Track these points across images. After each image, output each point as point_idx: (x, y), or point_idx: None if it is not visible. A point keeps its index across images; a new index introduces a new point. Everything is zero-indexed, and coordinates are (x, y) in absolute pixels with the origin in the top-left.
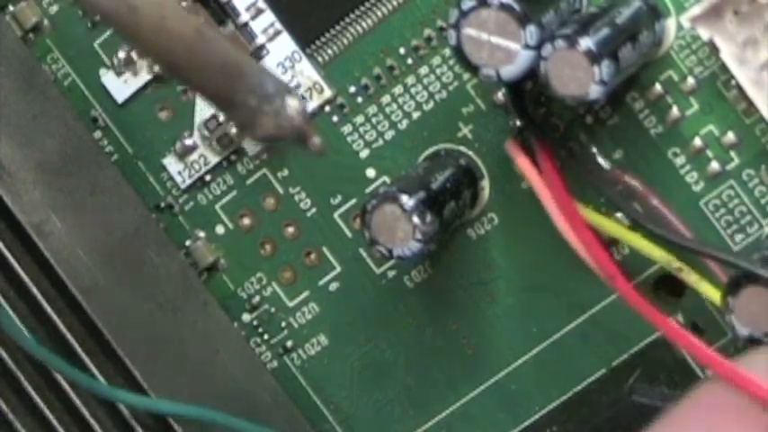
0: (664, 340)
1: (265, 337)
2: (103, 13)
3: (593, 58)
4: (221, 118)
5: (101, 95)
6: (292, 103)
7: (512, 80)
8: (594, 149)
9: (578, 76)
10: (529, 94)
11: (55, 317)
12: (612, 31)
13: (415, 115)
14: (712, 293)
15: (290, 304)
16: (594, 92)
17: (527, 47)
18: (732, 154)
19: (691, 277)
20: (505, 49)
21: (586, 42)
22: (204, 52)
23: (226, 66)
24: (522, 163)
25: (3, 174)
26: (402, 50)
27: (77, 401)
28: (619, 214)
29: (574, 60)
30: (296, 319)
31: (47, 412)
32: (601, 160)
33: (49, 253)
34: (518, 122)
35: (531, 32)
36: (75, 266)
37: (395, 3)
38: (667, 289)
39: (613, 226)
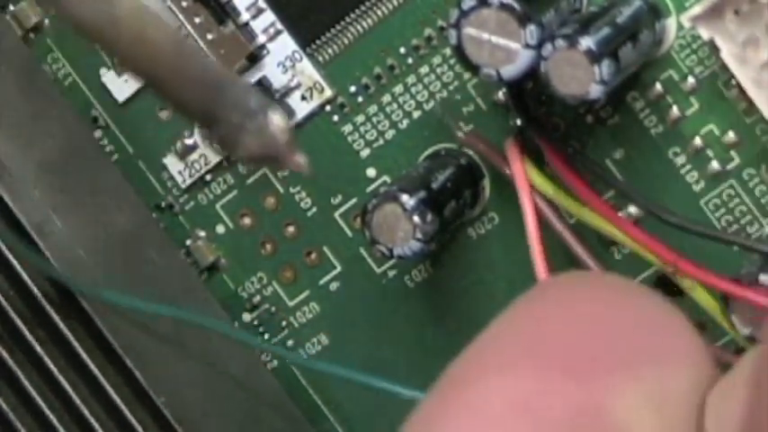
0: None
1: (266, 336)
2: (83, 24)
3: (594, 57)
4: None
5: (101, 95)
6: (276, 120)
7: (512, 80)
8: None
9: (579, 75)
10: (529, 93)
11: (55, 316)
12: (613, 31)
13: (416, 114)
14: (706, 299)
15: (291, 304)
16: (595, 91)
17: (527, 46)
18: (732, 153)
19: (684, 282)
20: (506, 48)
21: (587, 42)
22: (185, 65)
23: (206, 79)
24: (516, 167)
25: (3, 173)
26: (402, 50)
27: (77, 401)
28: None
29: (574, 60)
30: (296, 318)
31: (47, 412)
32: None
33: (49, 252)
34: (518, 122)
35: (532, 32)
36: (75, 266)
37: (395, 2)
38: (667, 288)
39: (611, 227)
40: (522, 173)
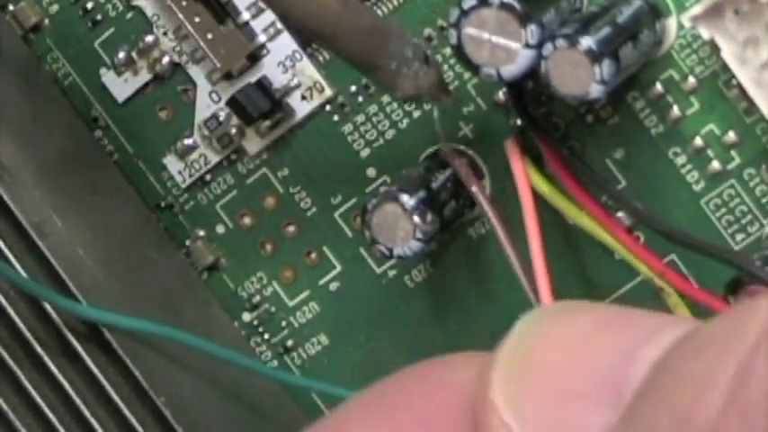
0: None
1: (266, 336)
2: None
3: (594, 57)
4: (221, 117)
5: (101, 95)
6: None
7: (512, 79)
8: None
9: (579, 75)
10: (529, 93)
11: (54, 316)
12: (613, 31)
13: (416, 114)
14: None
15: (291, 303)
16: (595, 91)
17: (528, 46)
18: (733, 153)
19: (671, 299)
20: (506, 48)
21: (587, 41)
22: (350, 21)
23: (370, 33)
24: (517, 166)
25: (3, 173)
26: None
27: (77, 400)
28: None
29: (575, 59)
30: (296, 318)
31: (47, 412)
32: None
33: (49, 252)
34: (519, 122)
35: (532, 31)
36: (75, 266)
37: (395, 2)
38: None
39: (604, 234)
40: (523, 172)
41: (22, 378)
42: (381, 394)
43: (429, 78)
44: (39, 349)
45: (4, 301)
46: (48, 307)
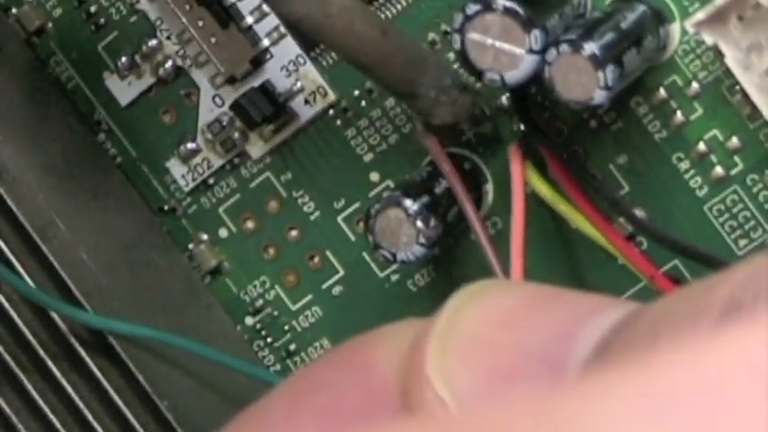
0: None
1: (268, 340)
2: (299, 19)
3: (598, 62)
4: (225, 121)
5: (104, 98)
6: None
7: (516, 85)
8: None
9: (583, 80)
10: (532, 98)
11: (58, 321)
12: (617, 36)
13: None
14: None
15: (294, 307)
16: (599, 97)
17: (531, 51)
18: (736, 159)
19: None
20: (510, 53)
21: (591, 47)
22: (389, 50)
23: (409, 62)
24: (515, 169)
25: (6, 177)
26: None
27: (80, 404)
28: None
29: (578, 65)
30: (299, 322)
31: (50, 415)
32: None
33: (52, 257)
34: (522, 127)
35: (536, 37)
36: (78, 270)
37: (399, 7)
38: None
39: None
40: (520, 178)
41: (25, 381)
42: (301, 379)
43: (467, 106)
44: (41, 353)
45: (7, 306)
46: (51, 312)
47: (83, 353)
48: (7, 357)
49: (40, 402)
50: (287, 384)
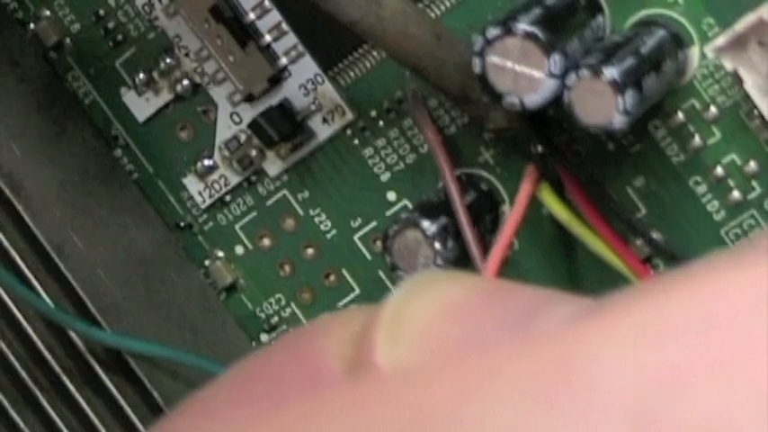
0: None
1: None
2: (352, 21)
3: (618, 87)
4: (242, 139)
5: (122, 114)
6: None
7: (536, 108)
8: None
9: (602, 105)
10: (551, 119)
11: (74, 337)
12: (637, 61)
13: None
14: None
15: None
16: (618, 122)
17: (551, 75)
18: (754, 183)
19: None
20: (530, 77)
21: (611, 72)
22: (444, 55)
23: (464, 67)
24: (525, 187)
25: (23, 192)
26: None
27: (96, 421)
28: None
29: (598, 90)
30: None
31: (59, 422)
32: None
33: (69, 273)
34: (540, 148)
35: (556, 61)
36: (94, 286)
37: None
38: None
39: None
40: (528, 191)
41: (41, 398)
42: (244, 368)
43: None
44: (57, 369)
45: (24, 323)
46: (68, 330)
47: (98, 370)
48: (23, 374)
49: (56, 419)
50: (230, 373)
